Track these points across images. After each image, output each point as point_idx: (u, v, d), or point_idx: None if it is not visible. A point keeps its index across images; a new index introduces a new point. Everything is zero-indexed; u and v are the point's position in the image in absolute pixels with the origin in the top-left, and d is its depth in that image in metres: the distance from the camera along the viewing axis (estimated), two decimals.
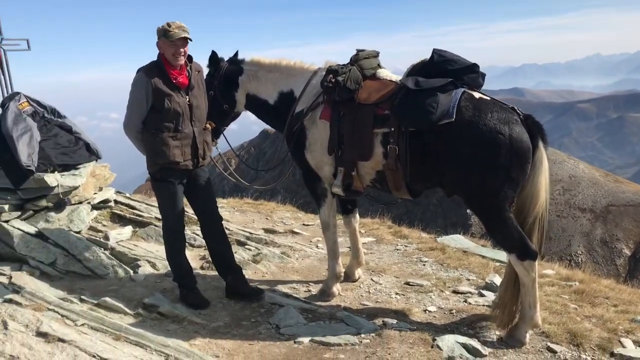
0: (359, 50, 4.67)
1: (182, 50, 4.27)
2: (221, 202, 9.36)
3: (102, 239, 5.71)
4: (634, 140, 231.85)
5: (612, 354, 4.08)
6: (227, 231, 6.23)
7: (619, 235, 42.72)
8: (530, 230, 4.07)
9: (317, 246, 6.68)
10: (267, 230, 7.40)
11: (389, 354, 3.76)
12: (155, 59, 4.40)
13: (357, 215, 5.32)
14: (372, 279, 5.50)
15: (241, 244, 6.33)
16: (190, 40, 4.30)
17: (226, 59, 5.15)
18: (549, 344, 4.13)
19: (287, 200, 10.90)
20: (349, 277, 5.36)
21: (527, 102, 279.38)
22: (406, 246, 6.98)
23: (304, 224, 8.05)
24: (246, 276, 5.02)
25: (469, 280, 5.65)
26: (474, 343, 3.95)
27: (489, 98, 4.08)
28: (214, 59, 5.05)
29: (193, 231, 6.25)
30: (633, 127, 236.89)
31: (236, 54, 5.14)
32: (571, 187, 47.44)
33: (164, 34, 4.22)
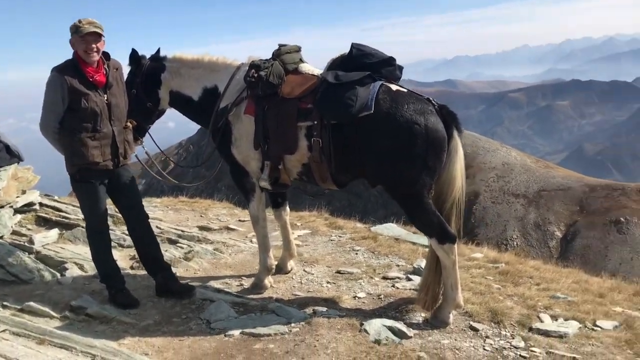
0: (280, 45, 4.74)
1: (94, 46, 4.18)
2: (154, 202, 9.24)
3: (26, 243, 5.55)
4: (562, 127, 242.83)
5: (530, 329, 4.32)
6: (158, 230, 6.20)
7: (551, 219, 44.68)
8: (449, 215, 4.26)
9: (251, 241, 6.70)
10: (201, 228, 7.37)
11: (317, 340, 3.86)
12: None
13: (287, 208, 5.39)
14: (304, 270, 5.59)
15: (172, 242, 6.28)
16: (103, 36, 4.22)
17: (148, 56, 5.10)
18: (471, 322, 4.34)
19: (226, 197, 10.82)
20: (281, 269, 5.44)
21: (461, 93, 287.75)
22: (340, 236, 7.11)
23: (239, 220, 8.06)
24: (177, 274, 5.01)
25: (398, 266, 5.83)
26: (400, 325, 4.11)
27: (405, 90, 4.24)
28: (134, 56, 5.00)
29: (122, 231, 6.15)
30: (560, 115, 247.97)
31: (158, 51, 5.10)
32: (505, 174, 49.23)
33: (75, 30, 4.12)
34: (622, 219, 42.20)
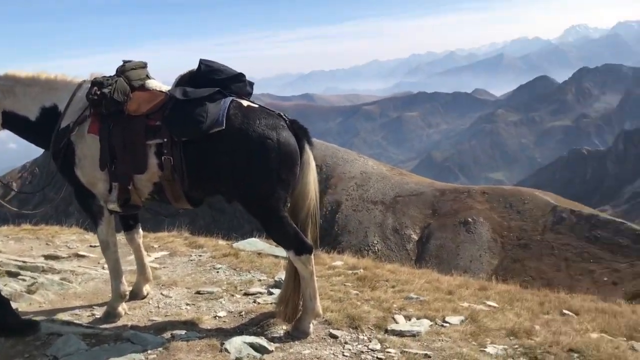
0: (125, 61, 4.57)
1: None
2: None
3: None
4: (412, 137, 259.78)
5: (386, 331, 4.52)
6: None
7: (407, 223, 47.44)
8: (305, 226, 4.35)
9: (103, 267, 6.32)
10: (47, 257, 6.81)
11: None
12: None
13: (140, 230, 5.16)
14: (162, 293, 5.39)
15: (13, 274, 5.71)
16: None
17: None
18: (330, 330, 4.44)
19: (77, 222, 10.08)
20: (136, 295, 5.18)
21: (319, 107, 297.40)
22: (200, 255, 6.97)
23: (91, 246, 7.58)
24: (20, 309, 4.59)
25: (260, 280, 5.83)
26: (261, 341, 4.09)
27: (257, 105, 4.28)
28: None
29: None
30: (410, 125, 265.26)
31: None
32: (363, 183, 51.47)
33: None
34: (469, 219, 45.96)
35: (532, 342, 4.44)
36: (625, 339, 5.20)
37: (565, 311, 5.99)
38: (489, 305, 5.70)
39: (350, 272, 6.50)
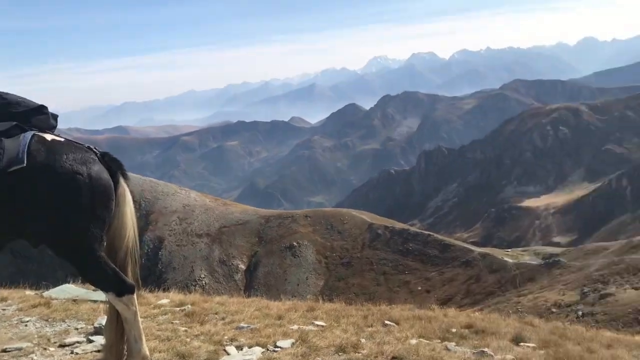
0: None
1: None
2: None
3: None
4: (234, 166, 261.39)
5: None
6: None
7: (234, 253, 47.29)
8: (124, 265, 4.10)
9: None
10: None
11: None
12: None
13: None
14: None
15: None
16: None
17: None
18: None
19: None
20: None
21: (133, 139, 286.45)
22: (4, 309, 6.24)
23: None
24: None
25: (77, 329, 5.40)
26: None
27: (63, 139, 3.96)
28: None
29: None
30: (231, 154, 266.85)
31: None
32: (186, 216, 50.31)
33: None
34: (295, 243, 47.25)
35: (359, 355, 4.67)
36: (440, 340, 5.71)
37: (387, 322, 6.41)
38: (318, 325, 5.88)
39: (178, 309, 6.31)
